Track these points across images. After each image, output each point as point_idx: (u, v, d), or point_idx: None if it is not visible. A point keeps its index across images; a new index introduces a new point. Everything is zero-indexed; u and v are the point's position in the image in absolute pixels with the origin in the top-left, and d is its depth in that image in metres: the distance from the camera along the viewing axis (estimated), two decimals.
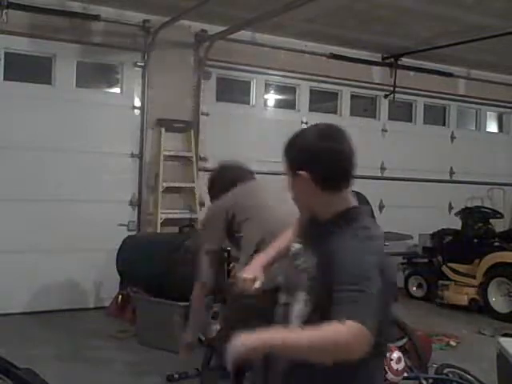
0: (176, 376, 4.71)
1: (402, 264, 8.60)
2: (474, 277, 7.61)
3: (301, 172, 1.84)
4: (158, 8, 6.87)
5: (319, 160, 1.83)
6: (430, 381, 3.86)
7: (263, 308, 2.25)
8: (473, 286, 7.59)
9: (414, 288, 8.32)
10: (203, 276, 3.43)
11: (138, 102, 7.35)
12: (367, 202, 7.29)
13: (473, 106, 10.05)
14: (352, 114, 8.95)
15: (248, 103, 8.24)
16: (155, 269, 5.65)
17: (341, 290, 1.66)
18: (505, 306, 7.31)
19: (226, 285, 5.11)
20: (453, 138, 9.87)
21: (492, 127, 10.73)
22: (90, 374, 4.80)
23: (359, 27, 7.46)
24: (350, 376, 1.76)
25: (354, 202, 1.90)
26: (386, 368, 3.46)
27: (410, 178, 9.12)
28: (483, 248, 7.74)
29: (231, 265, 5.38)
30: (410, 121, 9.60)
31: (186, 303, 5.37)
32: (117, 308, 6.61)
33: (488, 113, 10.43)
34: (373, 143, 8.92)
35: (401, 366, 3.51)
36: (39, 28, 6.64)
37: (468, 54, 8.38)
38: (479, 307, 7.52)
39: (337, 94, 8.85)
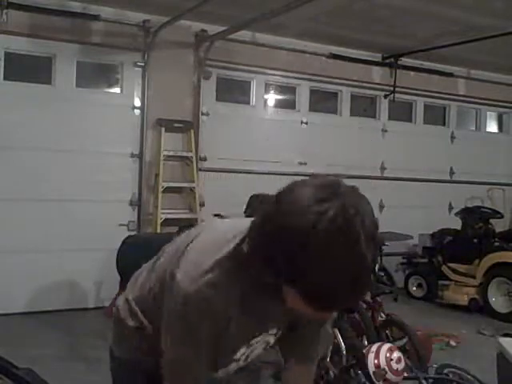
0: None
1: (402, 264, 8.60)
2: (473, 277, 7.61)
3: None
4: (157, 8, 6.87)
5: None
6: (430, 381, 3.85)
7: None
8: (473, 286, 7.60)
9: (414, 288, 8.32)
10: None
11: (138, 102, 7.35)
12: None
13: (473, 105, 10.05)
14: (352, 114, 8.96)
15: (248, 103, 8.24)
16: None
17: None
18: (505, 305, 7.31)
19: None
20: (453, 137, 9.87)
21: (492, 127, 10.74)
22: (90, 374, 4.80)
23: (359, 27, 7.46)
24: None
25: None
26: (386, 368, 3.46)
27: (409, 178, 9.12)
28: (483, 248, 7.74)
29: None
30: (410, 121, 9.61)
31: None
32: None
33: (488, 113, 10.43)
34: (373, 143, 8.94)
35: (401, 365, 3.50)
36: (39, 28, 6.64)
37: (468, 53, 8.37)
38: (479, 307, 7.51)
39: (337, 93, 8.85)
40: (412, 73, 9.17)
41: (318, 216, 1.22)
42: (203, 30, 7.52)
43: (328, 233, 1.21)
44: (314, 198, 1.25)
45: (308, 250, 1.21)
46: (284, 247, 1.25)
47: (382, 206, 8.81)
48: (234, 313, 1.49)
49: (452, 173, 9.83)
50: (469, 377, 3.97)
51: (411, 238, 7.91)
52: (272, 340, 1.75)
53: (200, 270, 1.45)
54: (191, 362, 1.53)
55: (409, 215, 8.54)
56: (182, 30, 7.32)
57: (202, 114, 7.72)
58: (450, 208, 9.50)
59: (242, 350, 1.65)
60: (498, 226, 8.50)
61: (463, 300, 7.59)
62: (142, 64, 7.29)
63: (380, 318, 4.69)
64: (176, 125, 7.43)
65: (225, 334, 1.52)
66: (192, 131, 7.52)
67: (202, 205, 7.51)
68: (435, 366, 4.08)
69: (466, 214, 8.25)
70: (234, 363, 1.67)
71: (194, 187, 7.45)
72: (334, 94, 8.85)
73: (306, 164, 8.28)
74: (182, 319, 1.48)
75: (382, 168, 9.12)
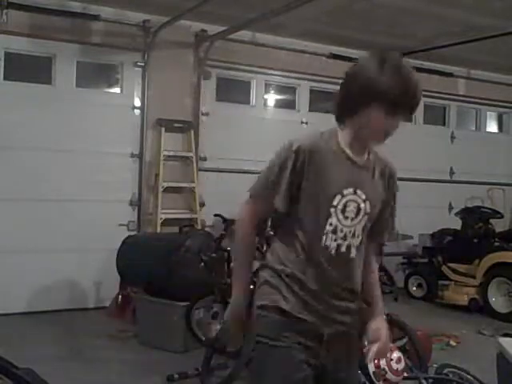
0: (176, 376, 4.71)
1: (402, 264, 8.60)
2: (473, 277, 7.61)
3: None
4: (157, 8, 6.87)
5: None
6: (430, 381, 3.86)
7: None
8: (473, 286, 7.60)
9: (414, 288, 8.32)
10: None
11: (138, 102, 7.35)
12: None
13: (473, 105, 10.05)
14: None
15: (248, 103, 8.24)
16: (155, 269, 5.64)
17: None
18: (505, 305, 7.31)
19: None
20: (453, 137, 9.87)
21: (492, 127, 10.74)
22: (90, 373, 4.80)
23: (359, 27, 7.46)
24: None
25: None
26: (386, 368, 3.46)
27: (409, 178, 9.10)
28: (483, 248, 7.74)
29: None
30: (410, 121, 9.60)
31: (186, 303, 5.40)
32: (117, 308, 6.61)
33: (488, 113, 10.43)
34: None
35: (401, 366, 3.51)
36: (39, 28, 6.64)
37: (468, 53, 8.37)
38: (479, 307, 7.52)
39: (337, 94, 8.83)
40: None
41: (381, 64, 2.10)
42: (203, 30, 7.52)
43: (392, 68, 2.07)
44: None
45: (383, 77, 2.07)
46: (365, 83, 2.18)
47: None
48: (316, 157, 2.08)
49: (452, 173, 9.83)
50: (469, 377, 3.98)
51: (411, 238, 7.92)
52: (363, 205, 2.11)
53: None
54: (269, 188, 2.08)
55: (409, 215, 8.51)
56: (182, 29, 7.32)
57: (202, 114, 7.72)
58: (450, 208, 9.49)
59: (338, 198, 2.07)
60: (498, 226, 8.50)
61: (463, 300, 7.59)
62: (142, 64, 7.29)
63: None
64: (176, 125, 7.43)
65: (317, 172, 2.06)
66: (192, 131, 7.52)
67: (202, 205, 7.51)
68: (435, 365, 4.09)
69: (466, 214, 8.25)
70: (332, 209, 2.06)
71: (194, 187, 7.45)
72: (334, 94, 8.83)
73: None
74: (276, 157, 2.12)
75: None
